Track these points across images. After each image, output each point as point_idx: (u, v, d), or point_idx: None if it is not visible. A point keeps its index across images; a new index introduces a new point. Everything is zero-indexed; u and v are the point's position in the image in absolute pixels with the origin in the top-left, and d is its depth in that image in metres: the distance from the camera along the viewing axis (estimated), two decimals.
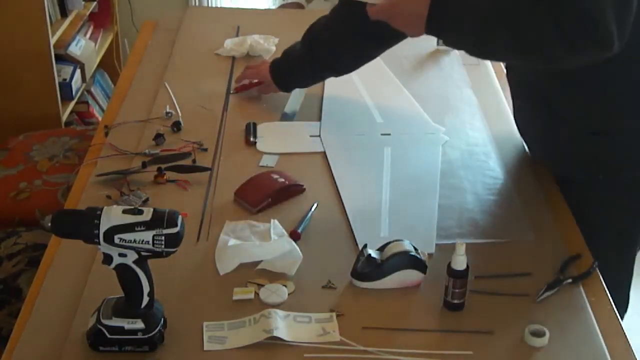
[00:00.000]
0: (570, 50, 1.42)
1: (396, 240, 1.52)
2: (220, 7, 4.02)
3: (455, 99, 2.22)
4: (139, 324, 1.32)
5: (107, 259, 1.30)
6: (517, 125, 1.93)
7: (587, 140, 1.68)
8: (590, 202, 1.74)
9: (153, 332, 1.32)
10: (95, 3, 3.74)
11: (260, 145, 1.96)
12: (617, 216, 1.75)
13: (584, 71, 1.51)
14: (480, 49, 1.58)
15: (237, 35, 2.55)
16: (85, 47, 3.62)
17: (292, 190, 1.77)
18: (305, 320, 1.41)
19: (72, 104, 3.47)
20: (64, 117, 3.38)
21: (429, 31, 1.57)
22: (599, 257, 1.58)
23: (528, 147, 1.93)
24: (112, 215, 1.26)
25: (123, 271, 1.30)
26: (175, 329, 1.37)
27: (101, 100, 3.87)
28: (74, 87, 3.46)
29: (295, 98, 2.18)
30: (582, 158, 1.72)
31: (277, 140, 1.99)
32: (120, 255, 1.29)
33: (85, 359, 1.32)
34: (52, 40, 3.23)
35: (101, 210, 1.27)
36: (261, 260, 1.54)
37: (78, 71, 3.51)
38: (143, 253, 1.28)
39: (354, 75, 2.31)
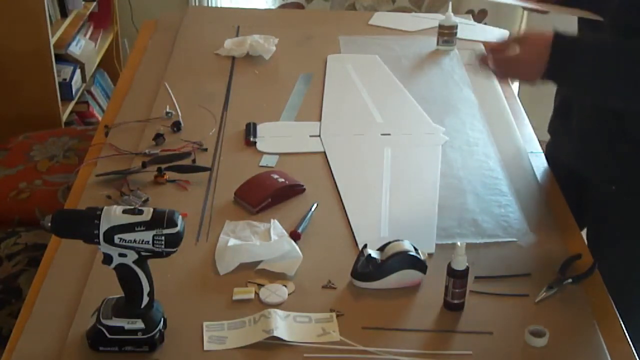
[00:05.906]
0: None
1: (396, 240, 1.52)
2: (220, 7, 4.01)
3: (455, 99, 2.22)
4: (139, 324, 1.32)
5: (107, 259, 1.29)
6: (555, 119, 1.90)
7: None
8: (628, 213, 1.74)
9: (153, 332, 1.32)
10: (95, 3, 3.74)
11: (260, 145, 1.96)
12: None
13: None
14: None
15: (237, 35, 2.55)
16: (85, 47, 3.62)
17: (292, 190, 1.77)
18: (305, 320, 1.41)
19: (72, 104, 3.46)
20: (64, 117, 3.38)
21: (546, 77, 1.54)
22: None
23: (558, 144, 1.90)
24: (112, 215, 1.26)
25: (123, 271, 1.30)
26: (175, 329, 1.37)
27: (101, 100, 3.86)
28: (74, 87, 3.45)
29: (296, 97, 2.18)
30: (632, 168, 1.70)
31: (277, 140, 1.99)
32: (120, 255, 1.28)
33: (85, 359, 1.32)
34: (52, 40, 3.22)
35: (101, 210, 1.27)
36: (261, 260, 1.54)
37: (78, 71, 3.51)
38: (143, 253, 1.28)
39: (354, 75, 2.31)
